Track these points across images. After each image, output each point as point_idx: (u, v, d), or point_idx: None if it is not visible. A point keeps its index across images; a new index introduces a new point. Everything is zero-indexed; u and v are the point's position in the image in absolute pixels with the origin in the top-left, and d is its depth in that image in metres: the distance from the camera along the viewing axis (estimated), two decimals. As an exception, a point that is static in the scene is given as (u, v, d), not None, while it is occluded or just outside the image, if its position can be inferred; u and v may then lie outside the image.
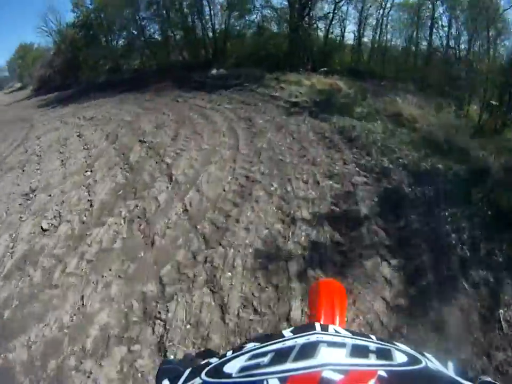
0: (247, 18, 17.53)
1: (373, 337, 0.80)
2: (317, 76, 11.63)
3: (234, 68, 15.75)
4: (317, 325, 0.86)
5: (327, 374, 0.57)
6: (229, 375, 0.66)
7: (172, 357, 3.05)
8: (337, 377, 0.56)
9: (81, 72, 24.57)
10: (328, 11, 16.36)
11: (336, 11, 16.46)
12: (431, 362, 0.69)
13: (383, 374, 0.57)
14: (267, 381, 0.58)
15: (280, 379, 0.58)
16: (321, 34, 17.56)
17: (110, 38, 21.67)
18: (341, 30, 18.23)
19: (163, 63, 20.11)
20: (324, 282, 1.94)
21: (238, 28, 18.13)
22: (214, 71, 15.42)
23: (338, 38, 18.01)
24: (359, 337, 0.78)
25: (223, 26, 18.49)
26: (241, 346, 0.83)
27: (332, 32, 17.47)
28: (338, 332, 0.84)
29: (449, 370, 0.71)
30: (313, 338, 0.76)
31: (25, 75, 36.26)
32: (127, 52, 21.34)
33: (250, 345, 0.80)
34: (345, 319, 1.26)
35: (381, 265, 3.90)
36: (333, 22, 16.87)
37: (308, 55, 15.50)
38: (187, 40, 19.29)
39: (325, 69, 12.09)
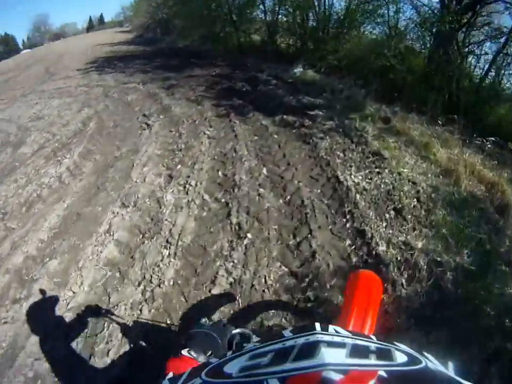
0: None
1: (373, 337, 0.78)
2: (463, 145, 5.19)
3: (331, 73, 10.21)
4: (317, 325, 0.81)
5: (327, 374, 0.56)
6: (229, 375, 0.66)
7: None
8: (337, 377, 0.55)
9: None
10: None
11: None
12: (431, 362, 0.67)
13: (383, 374, 0.56)
14: (267, 381, 0.58)
15: (280, 379, 0.58)
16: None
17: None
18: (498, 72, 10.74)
19: (251, 43, 15.03)
20: (362, 273, 1.63)
21: (359, 16, 11.61)
22: (297, 70, 10.02)
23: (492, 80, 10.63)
24: (359, 337, 0.77)
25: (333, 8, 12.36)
26: (242, 346, 0.84)
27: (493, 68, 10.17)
28: (338, 332, 0.81)
29: (449, 370, 0.68)
30: (313, 338, 0.73)
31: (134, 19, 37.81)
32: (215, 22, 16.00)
33: (250, 345, 0.80)
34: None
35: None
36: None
37: (455, 94, 8.73)
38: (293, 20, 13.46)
39: (493, 139, 5.26)
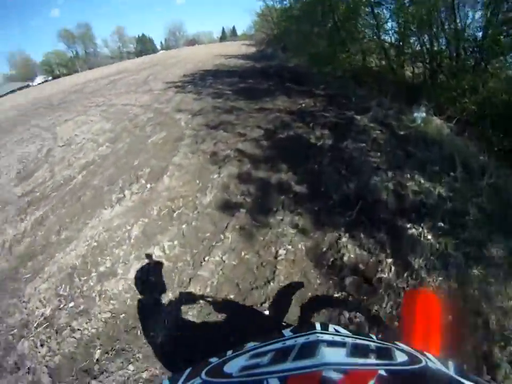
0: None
1: (373, 336, 0.81)
2: None
3: (468, 125, 6.66)
4: (317, 324, 0.85)
5: (327, 373, 0.55)
6: (229, 375, 0.66)
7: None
8: (337, 376, 0.55)
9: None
10: None
11: None
12: (431, 361, 0.68)
13: (383, 373, 0.56)
14: (267, 381, 0.57)
15: (280, 378, 0.57)
16: None
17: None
18: None
19: (367, 68, 11.69)
20: (418, 293, 1.60)
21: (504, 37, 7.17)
22: (418, 115, 6.61)
23: None
24: (359, 337, 0.78)
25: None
26: (242, 345, 0.83)
27: None
28: (338, 331, 0.83)
29: (449, 369, 0.68)
30: (313, 337, 0.75)
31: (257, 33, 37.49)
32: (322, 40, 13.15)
33: (250, 345, 0.81)
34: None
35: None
36: None
37: None
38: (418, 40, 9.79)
39: None
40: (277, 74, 13.25)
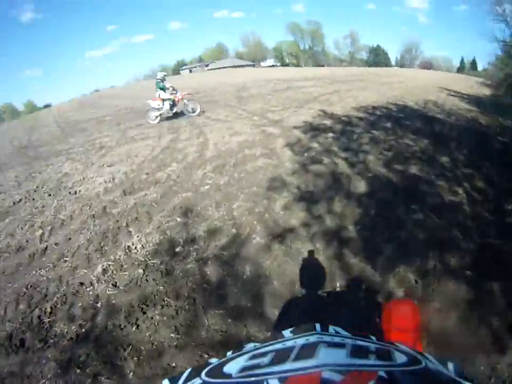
0: None
1: (373, 337, 0.78)
2: None
3: None
4: (317, 325, 0.83)
5: (327, 374, 0.55)
6: (229, 375, 0.65)
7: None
8: (337, 377, 0.54)
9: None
10: None
11: None
12: (430, 362, 0.67)
13: (383, 374, 0.55)
14: (267, 381, 0.56)
15: (280, 379, 0.56)
16: None
17: None
18: None
19: None
20: (397, 303, 1.67)
21: None
22: None
23: None
24: (359, 338, 0.76)
25: None
26: (241, 346, 0.82)
27: None
28: (338, 332, 0.81)
29: (449, 370, 0.68)
30: (313, 338, 0.73)
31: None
32: None
33: (250, 346, 0.80)
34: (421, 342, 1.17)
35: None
36: None
37: None
38: None
39: None
40: (484, 155, 6.69)
